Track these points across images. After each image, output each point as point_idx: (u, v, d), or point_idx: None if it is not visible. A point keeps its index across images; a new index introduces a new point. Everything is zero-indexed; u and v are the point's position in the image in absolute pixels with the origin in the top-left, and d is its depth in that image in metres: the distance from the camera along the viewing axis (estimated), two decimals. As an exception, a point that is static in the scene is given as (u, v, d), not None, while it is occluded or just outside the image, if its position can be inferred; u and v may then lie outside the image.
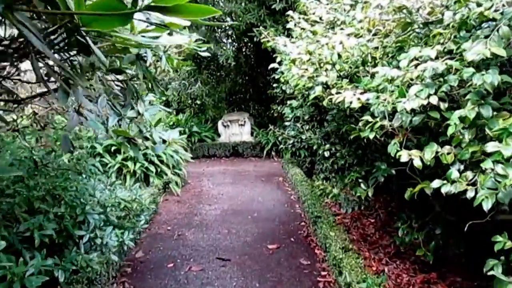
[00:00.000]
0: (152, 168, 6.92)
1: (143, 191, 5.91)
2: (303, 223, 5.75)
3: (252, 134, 11.57)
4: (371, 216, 5.89)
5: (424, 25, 3.13)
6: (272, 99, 11.00)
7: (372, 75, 3.69)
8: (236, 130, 11.56)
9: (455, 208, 3.43)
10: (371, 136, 2.70)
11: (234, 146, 11.16)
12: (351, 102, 2.79)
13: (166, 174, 7.14)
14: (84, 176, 3.39)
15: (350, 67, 3.80)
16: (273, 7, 9.26)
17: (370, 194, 3.64)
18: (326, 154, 4.97)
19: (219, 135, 11.67)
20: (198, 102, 11.79)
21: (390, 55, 3.70)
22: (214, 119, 12.03)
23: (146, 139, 2.24)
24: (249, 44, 12.94)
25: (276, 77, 6.99)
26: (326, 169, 5.99)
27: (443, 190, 2.24)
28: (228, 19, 12.59)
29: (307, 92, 4.21)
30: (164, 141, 2.39)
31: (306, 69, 3.51)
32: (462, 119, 2.26)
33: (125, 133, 2.03)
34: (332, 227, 4.65)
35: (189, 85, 11.36)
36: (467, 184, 2.24)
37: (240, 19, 10.36)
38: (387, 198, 5.75)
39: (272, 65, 4.62)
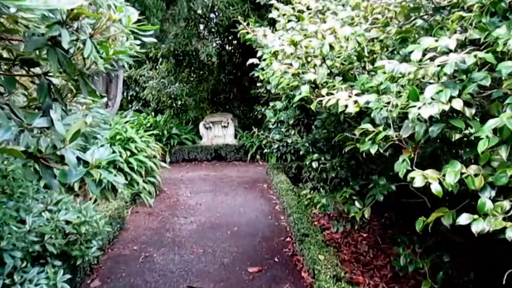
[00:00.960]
0: (120, 177, 6.26)
1: (106, 207, 5.27)
2: (288, 239, 5.16)
3: (236, 136, 10.96)
4: (363, 230, 5.32)
5: (435, 11, 2.55)
6: (257, 99, 10.43)
7: (370, 73, 3.12)
8: (219, 132, 10.93)
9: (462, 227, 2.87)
10: (373, 151, 2.11)
11: (217, 149, 10.53)
12: (346, 106, 2.19)
13: (138, 183, 6.49)
14: (12, 198, 2.72)
15: (343, 63, 3.22)
16: (257, 1, 8.64)
17: (366, 215, 3.06)
18: (314, 164, 4.36)
19: (200, 138, 11.03)
20: (179, 102, 11.12)
21: (390, 48, 3.12)
22: (196, 120, 11.38)
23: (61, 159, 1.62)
24: (233, 41, 12.33)
25: (256, 74, 6.41)
26: (314, 177, 5.41)
27: (475, 229, 1.65)
28: (212, 15, 11.98)
29: (291, 93, 3.60)
30: (85, 163, 1.77)
31: (290, 65, 2.90)
32: (497, 130, 1.68)
33: (16, 153, 1.40)
34: (321, 248, 4.05)
35: (169, 83, 10.70)
36: (504, 219, 1.67)
37: (223, 13, 9.74)
38: (382, 212, 5.19)
39: (251, 61, 3.99)
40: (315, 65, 2.92)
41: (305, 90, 2.83)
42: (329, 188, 4.64)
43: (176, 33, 9.39)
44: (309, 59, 2.94)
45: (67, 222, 3.22)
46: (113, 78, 7.46)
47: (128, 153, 6.50)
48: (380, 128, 2.13)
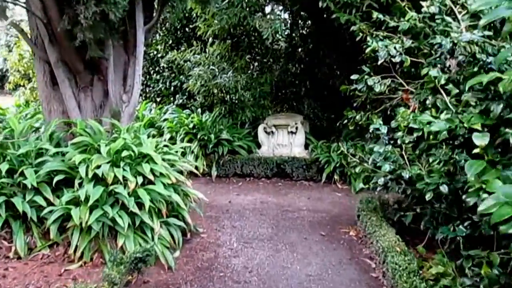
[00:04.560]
0: (124, 218, 3.94)
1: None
2: None
3: (306, 147, 8.36)
4: None
5: None
6: (338, 97, 7.81)
7: None
8: (284, 139, 8.39)
9: None
10: None
11: (280, 163, 8.00)
12: None
13: (152, 230, 4.13)
14: None
15: None
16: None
17: None
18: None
19: (259, 146, 8.56)
20: (233, 97, 8.72)
21: None
22: (254, 121, 8.93)
23: None
24: (307, 20, 9.74)
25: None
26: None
27: None
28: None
29: None
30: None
31: None
32: None
33: None
34: None
35: (220, 72, 8.31)
36: None
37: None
38: None
39: None
40: None
41: None
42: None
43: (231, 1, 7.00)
44: None
45: None
46: (131, 58, 5.17)
47: (140, 179, 4.16)
48: None
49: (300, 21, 9.88)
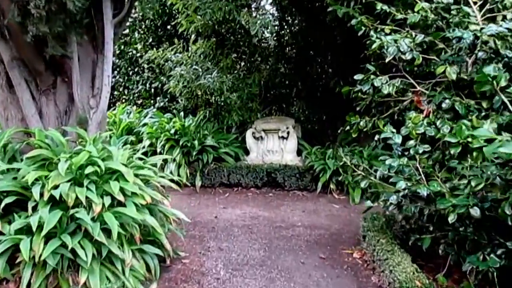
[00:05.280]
0: (87, 249, 3.28)
1: None
2: None
3: (299, 153, 7.75)
4: None
5: None
6: (332, 99, 7.29)
7: None
8: (275, 145, 7.78)
9: None
10: None
11: (271, 171, 7.38)
12: None
13: (123, 261, 3.47)
14: None
15: None
16: None
17: None
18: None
19: (247, 152, 7.93)
20: (218, 99, 8.07)
21: None
22: (241, 126, 8.30)
23: None
24: (297, 16, 9.15)
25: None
26: None
27: None
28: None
29: None
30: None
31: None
32: None
33: None
34: None
35: (204, 72, 7.66)
36: None
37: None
38: None
39: None
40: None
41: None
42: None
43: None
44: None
45: None
46: (100, 57, 4.50)
47: (107, 200, 3.49)
48: None
49: (289, 18, 9.28)
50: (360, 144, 7.47)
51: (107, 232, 3.43)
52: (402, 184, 3.41)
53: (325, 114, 8.62)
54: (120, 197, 3.53)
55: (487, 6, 4.42)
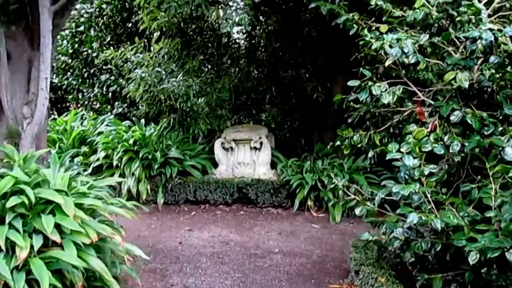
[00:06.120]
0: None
1: None
2: None
3: (273, 166, 7.07)
4: None
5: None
6: (308, 106, 6.69)
7: None
8: (246, 157, 7.07)
9: None
10: None
11: (242, 186, 6.67)
12: None
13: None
14: None
15: None
16: None
17: None
18: None
19: (215, 165, 7.18)
20: (183, 105, 7.31)
21: None
22: (209, 135, 7.56)
23: None
24: (270, 15, 8.51)
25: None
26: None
27: None
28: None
29: None
30: None
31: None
32: None
33: None
34: None
35: (167, 75, 6.88)
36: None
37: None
38: None
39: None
40: None
41: None
42: None
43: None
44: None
45: None
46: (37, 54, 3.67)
47: (37, 241, 2.69)
48: None
49: (262, 17, 8.62)
50: (338, 156, 6.87)
51: (36, 284, 2.63)
52: (414, 218, 2.76)
53: (300, 122, 8.00)
54: (55, 237, 2.73)
55: (494, 5, 3.91)
